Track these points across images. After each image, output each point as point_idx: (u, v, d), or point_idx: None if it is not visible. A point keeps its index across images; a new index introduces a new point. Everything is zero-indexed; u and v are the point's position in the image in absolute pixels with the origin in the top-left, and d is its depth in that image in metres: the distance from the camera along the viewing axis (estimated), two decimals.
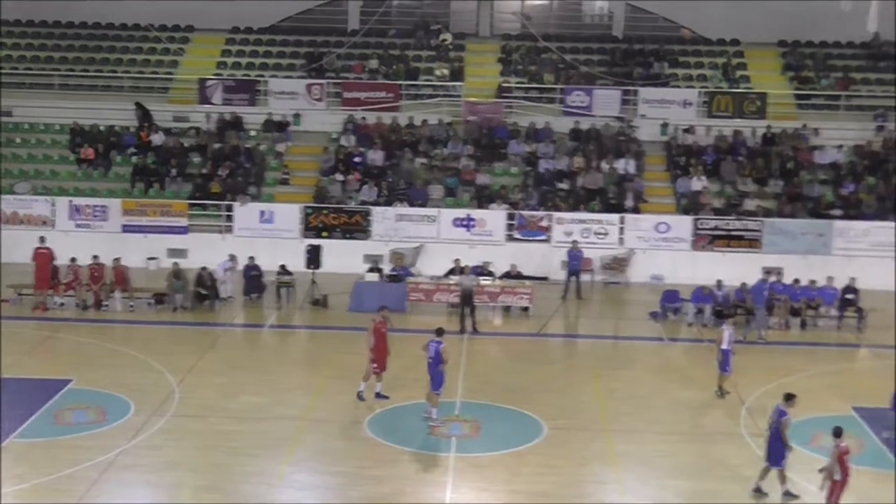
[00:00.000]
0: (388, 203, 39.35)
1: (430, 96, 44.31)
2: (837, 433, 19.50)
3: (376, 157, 41.34)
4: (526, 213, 38.78)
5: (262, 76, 45.18)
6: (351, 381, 25.49)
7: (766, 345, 30.88)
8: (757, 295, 32.04)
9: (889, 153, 41.09)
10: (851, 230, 37.77)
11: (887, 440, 23.32)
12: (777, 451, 20.26)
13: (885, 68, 45.33)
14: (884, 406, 25.04)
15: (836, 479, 19.19)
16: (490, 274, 35.13)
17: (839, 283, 33.33)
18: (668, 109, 43.42)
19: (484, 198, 39.76)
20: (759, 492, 20.54)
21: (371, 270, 34.78)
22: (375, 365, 25.08)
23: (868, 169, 40.77)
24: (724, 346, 25.98)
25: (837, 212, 38.83)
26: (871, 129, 42.17)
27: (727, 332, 26.13)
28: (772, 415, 20.63)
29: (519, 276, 35.41)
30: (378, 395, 25.16)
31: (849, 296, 32.85)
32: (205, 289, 33.41)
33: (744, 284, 33.22)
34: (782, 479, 20.35)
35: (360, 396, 25.03)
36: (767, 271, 34.32)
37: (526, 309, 33.63)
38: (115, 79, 45.19)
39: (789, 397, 20.64)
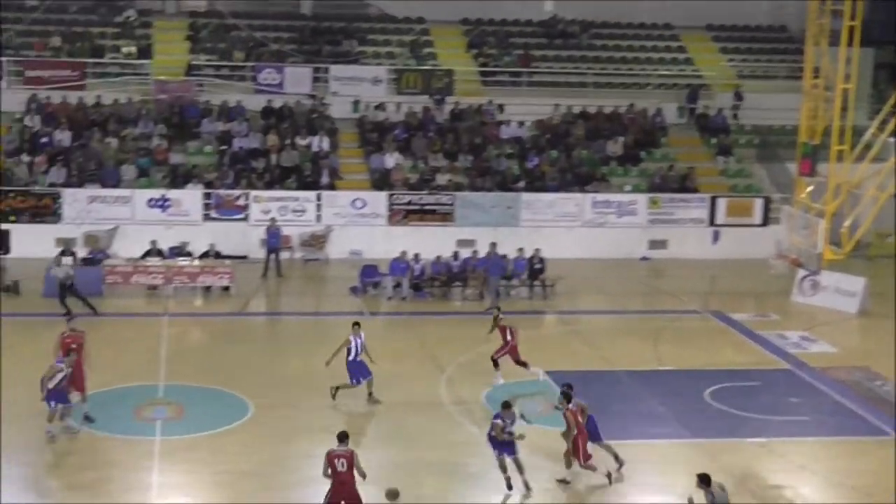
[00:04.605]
0: (79, 185, 38.15)
1: (118, 74, 43.13)
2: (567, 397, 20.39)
3: (63, 137, 39.92)
4: (222, 192, 38.50)
5: None
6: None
7: (465, 315, 32.03)
8: (493, 266, 33.23)
9: (568, 127, 43.28)
10: (537, 202, 39.61)
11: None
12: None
13: (562, 46, 47.68)
14: (571, 369, 26.71)
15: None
16: (188, 254, 34.73)
17: (527, 254, 34.87)
18: (359, 86, 44.06)
19: (178, 177, 39.18)
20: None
21: (63, 254, 33.67)
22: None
23: (549, 142, 42.83)
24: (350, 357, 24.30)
25: (523, 184, 40.63)
26: (551, 104, 44.14)
27: (354, 339, 24.31)
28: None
29: (218, 256, 35.17)
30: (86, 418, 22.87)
31: (536, 265, 34.49)
32: None
33: (438, 257, 34.34)
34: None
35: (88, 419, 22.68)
36: (493, 244, 34.76)
37: (227, 288, 33.50)
38: None
39: (506, 405, 19.99)
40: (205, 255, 34.89)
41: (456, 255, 34.76)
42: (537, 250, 34.65)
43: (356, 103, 43.67)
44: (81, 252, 34.57)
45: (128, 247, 35.91)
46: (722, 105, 45.19)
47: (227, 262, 34.60)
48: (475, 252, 34.87)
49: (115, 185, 38.36)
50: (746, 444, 22.96)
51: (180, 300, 32.76)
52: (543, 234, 38.24)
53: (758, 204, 40.59)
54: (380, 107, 43.39)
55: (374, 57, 46.02)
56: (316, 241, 38.35)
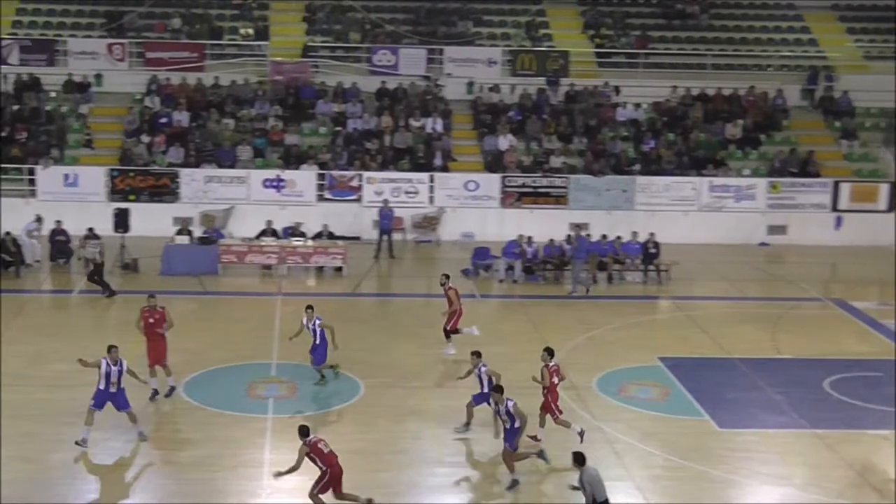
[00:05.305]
0: (197, 165, 38.72)
1: (235, 56, 43.65)
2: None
3: (182, 117, 40.54)
4: (336, 173, 38.72)
5: (59, 35, 43.63)
6: None
7: (576, 299, 31.72)
8: (577, 251, 32.71)
9: (686, 110, 42.52)
10: (653, 185, 39.04)
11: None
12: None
13: (681, 27, 46.84)
14: (686, 356, 26.20)
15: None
16: (302, 234, 34.99)
17: (642, 238, 34.41)
18: (474, 68, 43.91)
19: (293, 158, 39.50)
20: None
21: (180, 233, 34.23)
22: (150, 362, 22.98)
23: (666, 125, 42.13)
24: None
25: (639, 167, 40.04)
26: (669, 86, 43.39)
27: (307, 323, 24.09)
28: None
29: (331, 237, 35.40)
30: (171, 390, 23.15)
31: (651, 250, 33.98)
32: (9, 255, 32.38)
33: (552, 241, 34.02)
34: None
35: (169, 393, 23.08)
36: (577, 226, 34.65)
37: (340, 269, 33.70)
38: None
39: (496, 389, 20.33)
40: (318, 236, 35.16)
41: (569, 239, 34.38)
42: (652, 234, 34.15)
43: (470, 85, 43.51)
44: (197, 231, 35.04)
45: (243, 227, 36.40)
46: (847, 87, 43.90)
47: (340, 242, 34.81)
48: (588, 235, 34.47)
49: (231, 166, 38.88)
50: (868, 435, 22.28)
51: (293, 280, 33.07)
52: (659, 217, 37.73)
53: (883, 189, 39.48)
54: (494, 88, 43.16)
55: (489, 38, 45.81)
56: (428, 223, 38.34)
